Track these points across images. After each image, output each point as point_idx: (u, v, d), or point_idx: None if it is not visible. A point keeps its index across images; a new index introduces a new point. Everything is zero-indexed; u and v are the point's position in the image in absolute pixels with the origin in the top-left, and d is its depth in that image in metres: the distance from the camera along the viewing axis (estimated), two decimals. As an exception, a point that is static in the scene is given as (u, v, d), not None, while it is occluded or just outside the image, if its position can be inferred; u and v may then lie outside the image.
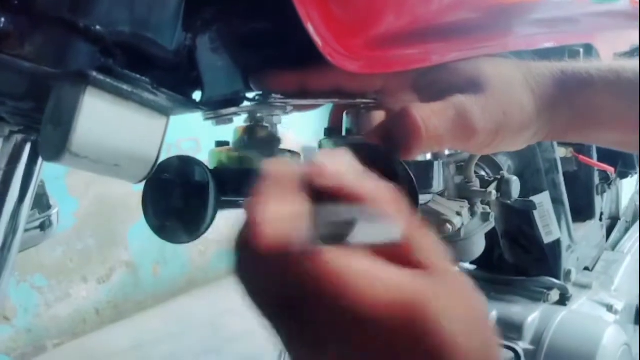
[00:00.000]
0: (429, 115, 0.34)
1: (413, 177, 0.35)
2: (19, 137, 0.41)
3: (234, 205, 0.41)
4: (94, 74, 0.27)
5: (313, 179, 0.25)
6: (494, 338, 0.26)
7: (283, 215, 0.23)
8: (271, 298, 0.24)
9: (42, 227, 0.54)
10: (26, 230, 0.49)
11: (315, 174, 0.25)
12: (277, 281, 0.23)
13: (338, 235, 0.24)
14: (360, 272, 0.22)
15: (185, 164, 0.39)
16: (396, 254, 0.24)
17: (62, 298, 2.00)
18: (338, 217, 0.24)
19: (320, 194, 0.25)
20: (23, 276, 1.86)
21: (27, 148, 0.42)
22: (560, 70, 0.38)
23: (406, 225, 0.24)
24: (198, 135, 2.25)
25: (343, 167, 0.26)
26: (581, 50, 0.59)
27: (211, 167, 0.40)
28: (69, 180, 1.95)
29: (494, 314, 0.87)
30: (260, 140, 0.39)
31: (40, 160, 0.45)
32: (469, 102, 0.35)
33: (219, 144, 0.42)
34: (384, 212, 0.24)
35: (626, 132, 0.38)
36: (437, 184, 0.42)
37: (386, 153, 0.35)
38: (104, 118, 0.27)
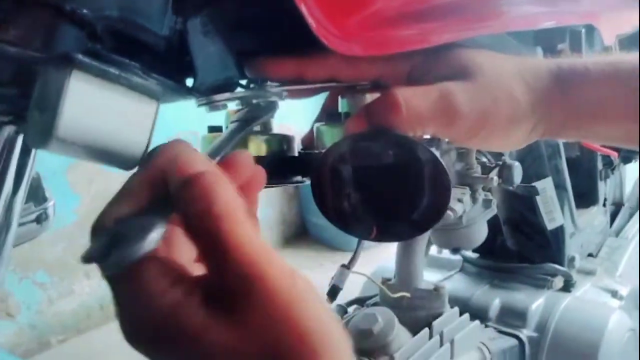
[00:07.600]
0: (410, 95, 0.34)
1: (439, 157, 0.34)
2: (10, 129, 0.40)
3: None
4: (80, 56, 0.26)
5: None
6: None
7: None
8: None
9: (39, 220, 0.54)
10: (23, 224, 0.49)
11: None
12: None
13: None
14: None
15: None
16: None
17: (66, 294, 2.00)
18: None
19: None
20: (25, 273, 1.86)
21: (20, 140, 0.41)
22: (557, 65, 0.37)
23: None
24: (197, 129, 2.24)
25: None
26: (583, 30, 0.58)
27: (202, 151, 0.39)
28: (70, 176, 1.94)
29: (497, 301, 0.87)
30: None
31: (33, 152, 0.45)
32: (455, 86, 0.35)
33: (212, 129, 0.41)
34: None
35: (627, 126, 0.36)
36: None
37: (408, 138, 0.34)
38: (91, 102, 0.26)
